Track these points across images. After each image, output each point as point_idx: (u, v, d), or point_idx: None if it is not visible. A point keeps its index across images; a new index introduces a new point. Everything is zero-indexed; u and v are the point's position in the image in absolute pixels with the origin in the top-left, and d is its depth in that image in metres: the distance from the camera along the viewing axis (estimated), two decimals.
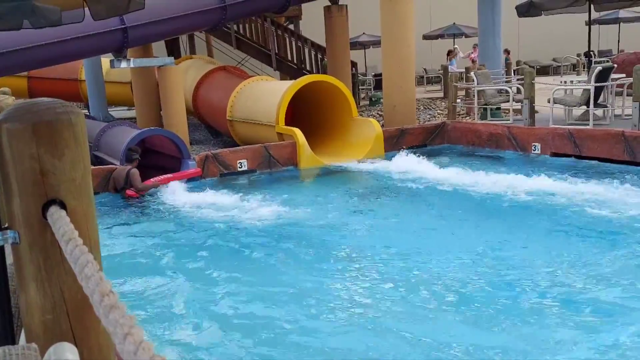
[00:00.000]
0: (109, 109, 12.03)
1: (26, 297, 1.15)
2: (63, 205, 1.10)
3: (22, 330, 1.22)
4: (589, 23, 9.78)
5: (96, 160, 7.63)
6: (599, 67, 7.46)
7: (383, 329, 3.02)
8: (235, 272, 3.97)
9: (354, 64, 12.96)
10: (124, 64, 8.16)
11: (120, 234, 5.11)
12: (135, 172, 6.39)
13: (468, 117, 9.71)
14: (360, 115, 9.45)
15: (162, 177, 6.65)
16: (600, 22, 16.12)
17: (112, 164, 6.98)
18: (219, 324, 3.19)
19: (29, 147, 1.09)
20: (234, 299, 3.51)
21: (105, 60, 10.82)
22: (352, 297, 3.46)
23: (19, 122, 1.10)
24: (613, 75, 7.93)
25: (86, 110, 11.96)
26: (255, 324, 3.18)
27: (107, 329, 0.64)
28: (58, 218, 1.02)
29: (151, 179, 6.59)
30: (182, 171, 6.87)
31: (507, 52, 15.49)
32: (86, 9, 3.07)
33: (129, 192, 6.34)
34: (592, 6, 9.36)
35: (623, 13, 15.53)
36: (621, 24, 16.56)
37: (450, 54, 15.79)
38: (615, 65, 8.26)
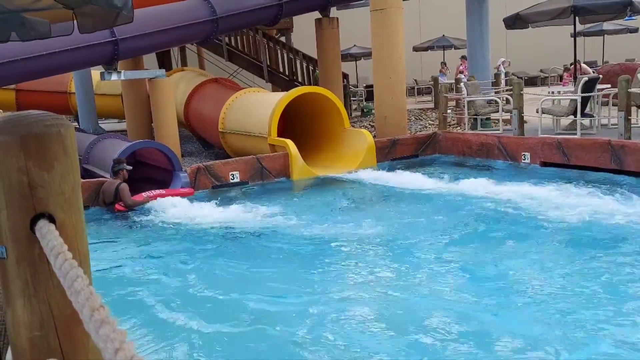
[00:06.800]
0: (99, 122, 11.96)
1: (13, 314, 1.12)
2: (52, 219, 1.08)
3: (9, 348, 1.19)
4: (574, 35, 9.97)
5: (86, 174, 7.55)
6: (585, 78, 7.60)
7: (373, 330, 3.00)
8: (226, 284, 3.93)
9: (345, 76, 13.06)
10: (114, 77, 8.14)
11: (110, 248, 5.04)
12: (125, 187, 6.30)
13: (458, 128, 9.80)
14: (352, 126, 9.50)
15: (152, 193, 6.57)
16: (585, 34, 16.49)
17: (102, 177, 6.90)
18: (210, 338, 3.14)
19: (17, 159, 1.07)
20: (224, 311, 3.47)
21: (96, 72, 10.80)
22: (341, 305, 3.43)
23: (7, 135, 1.08)
24: (599, 86, 8.08)
25: (76, 123, 11.87)
26: (243, 336, 3.14)
27: (97, 344, 0.62)
28: (47, 232, 1.00)
29: (143, 194, 6.51)
30: (174, 189, 6.80)
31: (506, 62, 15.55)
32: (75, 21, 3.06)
33: (118, 206, 6.27)
34: (577, 19, 9.56)
35: (607, 25, 15.90)
36: (605, 36, 16.95)
37: (443, 69, 16.00)
38: (601, 76, 8.43)
